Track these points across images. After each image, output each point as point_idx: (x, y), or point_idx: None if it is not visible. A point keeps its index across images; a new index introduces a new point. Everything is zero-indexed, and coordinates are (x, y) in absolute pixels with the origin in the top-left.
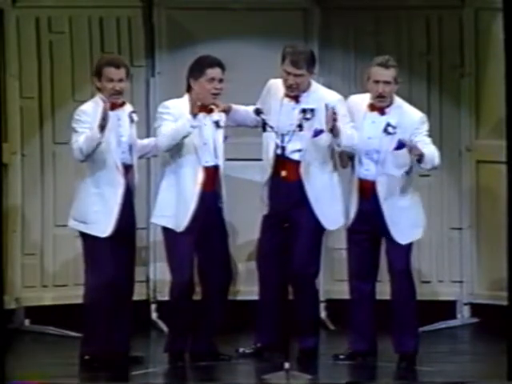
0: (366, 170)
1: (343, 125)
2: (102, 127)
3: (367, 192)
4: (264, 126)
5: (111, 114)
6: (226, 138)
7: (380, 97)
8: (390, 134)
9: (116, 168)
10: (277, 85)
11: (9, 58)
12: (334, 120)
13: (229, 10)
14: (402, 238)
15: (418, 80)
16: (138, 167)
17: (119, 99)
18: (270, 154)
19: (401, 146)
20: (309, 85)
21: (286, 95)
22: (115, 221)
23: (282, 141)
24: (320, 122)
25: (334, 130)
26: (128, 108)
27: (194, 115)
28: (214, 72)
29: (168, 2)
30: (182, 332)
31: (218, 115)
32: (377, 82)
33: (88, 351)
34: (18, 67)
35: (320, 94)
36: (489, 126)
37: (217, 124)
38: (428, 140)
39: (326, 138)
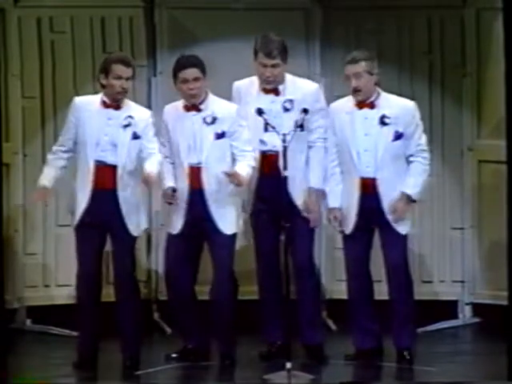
0: (367, 166)
1: (318, 118)
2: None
3: (369, 188)
4: (266, 126)
5: (103, 111)
6: (222, 134)
7: (355, 91)
8: (386, 124)
9: (88, 167)
10: (245, 85)
11: (10, 58)
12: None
13: (230, 9)
14: (402, 228)
15: (419, 80)
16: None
17: (118, 99)
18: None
19: (399, 136)
20: (283, 77)
21: (263, 89)
22: (80, 216)
23: (284, 141)
24: (299, 113)
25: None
26: (126, 110)
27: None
28: (186, 73)
29: (169, 1)
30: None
31: (209, 111)
32: (348, 77)
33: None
34: (19, 67)
35: (298, 85)
36: (490, 126)
37: (204, 121)
38: (420, 166)
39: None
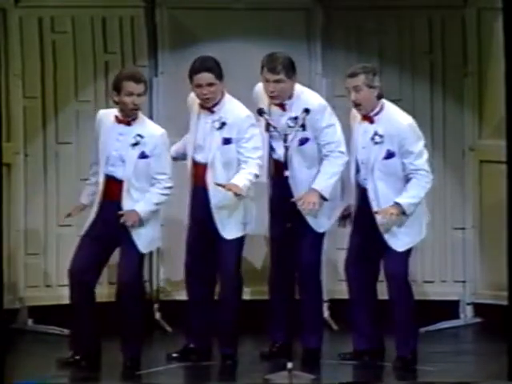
0: (364, 179)
1: (325, 135)
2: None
3: (365, 199)
4: (267, 126)
5: (115, 126)
6: (229, 140)
7: (355, 105)
8: (376, 143)
9: (101, 179)
10: (262, 91)
11: (12, 58)
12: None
13: (231, 9)
14: (397, 245)
15: (420, 80)
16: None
17: (132, 115)
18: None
19: (390, 155)
20: (291, 93)
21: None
22: (89, 225)
23: (285, 140)
24: (304, 129)
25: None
26: (137, 128)
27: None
28: (200, 78)
29: (170, 1)
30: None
31: (220, 115)
32: (348, 90)
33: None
34: (20, 67)
35: (303, 101)
36: (492, 126)
37: (213, 125)
38: (417, 179)
39: (311, 145)
